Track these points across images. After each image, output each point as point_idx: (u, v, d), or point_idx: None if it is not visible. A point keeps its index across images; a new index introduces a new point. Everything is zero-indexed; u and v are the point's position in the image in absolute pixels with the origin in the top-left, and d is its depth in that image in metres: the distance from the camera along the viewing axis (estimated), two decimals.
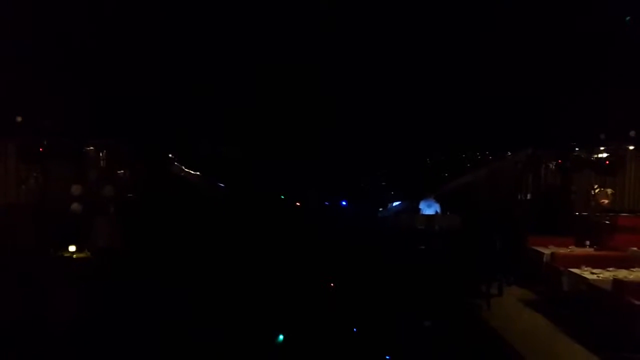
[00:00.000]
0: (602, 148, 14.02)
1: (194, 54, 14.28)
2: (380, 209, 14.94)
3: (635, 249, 11.73)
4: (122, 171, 14.10)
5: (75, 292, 9.34)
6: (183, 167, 14.47)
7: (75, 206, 11.95)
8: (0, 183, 11.53)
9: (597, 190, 14.65)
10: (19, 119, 10.79)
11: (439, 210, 13.58)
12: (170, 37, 14.34)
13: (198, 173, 14.59)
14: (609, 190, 14.52)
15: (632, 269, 10.22)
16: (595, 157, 14.22)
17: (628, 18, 12.33)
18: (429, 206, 13.73)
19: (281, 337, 8.44)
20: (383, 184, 15.70)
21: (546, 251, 11.99)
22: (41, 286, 9.28)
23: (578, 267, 10.44)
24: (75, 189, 12.83)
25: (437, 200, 13.89)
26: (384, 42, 14.67)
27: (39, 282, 9.35)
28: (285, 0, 13.01)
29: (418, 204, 14.09)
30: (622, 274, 9.75)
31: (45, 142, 12.14)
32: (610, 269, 10.18)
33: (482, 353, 7.44)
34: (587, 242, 12.26)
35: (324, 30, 12.17)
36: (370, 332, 8.66)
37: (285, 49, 13.95)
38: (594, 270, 10.11)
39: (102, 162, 13.96)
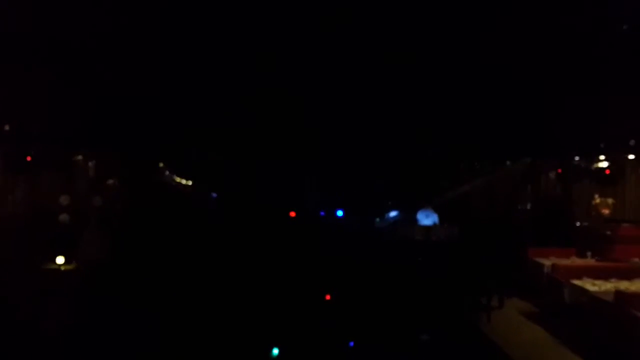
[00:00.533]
0: (602, 157, 13.82)
1: (183, 62, 14.16)
2: (378, 220, 14.73)
3: (637, 259, 11.52)
4: (111, 181, 13.89)
5: (62, 306, 9.09)
6: (174, 177, 14.25)
7: (63, 217, 11.70)
8: None
9: (597, 200, 14.43)
10: (6, 127, 10.56)
11: (436, 221, 13.38)
12: (160, 45, 14.20)
13: (190, 182, 14.37)
14: (610, 200, 14.29)
15: (633, 280, 10.03)
16: (596, 167, 14.02)
17: (625, 27, 12.20)
18: (427, 216, 13.55)
19: (276, 351, 8.21)
20: (380, 193, 15.51)
21: (547, 262, 11.79)
22: (26, 301, 9.02)
23: (579, 278, 10.25)
24: (64, 199, 12.61)
25: (435, 210, 13.68)
26: (381, 53, 14.56)
27: (24, 297, 9.09)
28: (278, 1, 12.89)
29: (416, 214, 13.89)
30: (624, 285, 9.56)
31: (32, 152, 11.92)
32: (612, 280, 9.99)
33: None
34: (589, 253, 12.07)
35: (319, 36, 11.99)
36: (367, 346, 8.45)
37: (278, 53, 13.82)
38: (596, 282, 9.92)
39: (91, 171, 13.76)
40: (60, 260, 10.30)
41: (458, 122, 15.14)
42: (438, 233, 12.86)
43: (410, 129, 14.98)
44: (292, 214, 13.70)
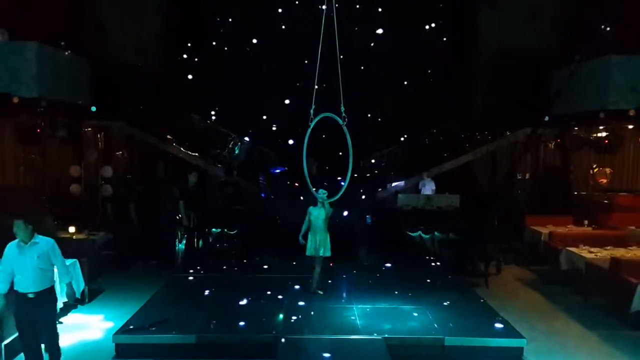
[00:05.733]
0: (601, 127, 13.94)
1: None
2: (380, 189, 14.86)
3: (632, 227, 11.79)
4: (120, 152, 13.98)
5: None
6: (181, 148, 14.34)
7: (73, 187, 11.88)
8: None
9: (595, 170, 14.65)
10: (15, 100, 10.65)
11: (433, 188, 13.57)
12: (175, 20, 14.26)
13: (196, 154, 14.46)
14: (608, 170, 14.51)
15: (629, 248, 10.30)
16: (594, 136, 14.15)
17: None
18: (424, 185, 13.72)
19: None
20: (383, 164, 15.62)
21: (544, 230, 12.03)
22: None
23: (576, 246, 10.50)
24: (74, 171, 12.77)
25: (435, 179, 13.85)
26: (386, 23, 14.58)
27: None
28: None
29: (416, 184, 14.07)
30: (620, 252, 9.81)
31: (42, 123, 12.02)
32: (608, 247, 10.24)
33: (480, 331, 7.48)
34: (586, 221, 12.29)
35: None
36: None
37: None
38: (592, 249, 10.17)
39: (100, 143, 13.87)
40: (72, 229, 10.51)
41: (459, 93, 15.21)
42: (439, 201, 13.02)
43: (411, 101, 15.04)
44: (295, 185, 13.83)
